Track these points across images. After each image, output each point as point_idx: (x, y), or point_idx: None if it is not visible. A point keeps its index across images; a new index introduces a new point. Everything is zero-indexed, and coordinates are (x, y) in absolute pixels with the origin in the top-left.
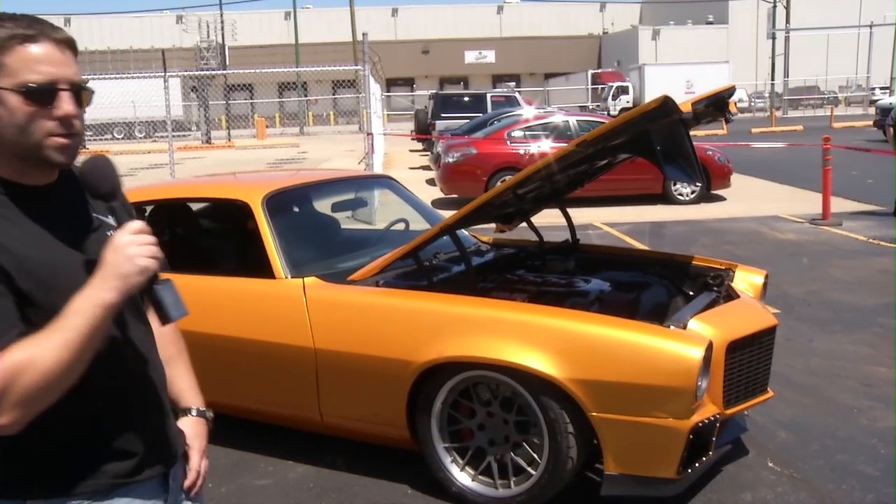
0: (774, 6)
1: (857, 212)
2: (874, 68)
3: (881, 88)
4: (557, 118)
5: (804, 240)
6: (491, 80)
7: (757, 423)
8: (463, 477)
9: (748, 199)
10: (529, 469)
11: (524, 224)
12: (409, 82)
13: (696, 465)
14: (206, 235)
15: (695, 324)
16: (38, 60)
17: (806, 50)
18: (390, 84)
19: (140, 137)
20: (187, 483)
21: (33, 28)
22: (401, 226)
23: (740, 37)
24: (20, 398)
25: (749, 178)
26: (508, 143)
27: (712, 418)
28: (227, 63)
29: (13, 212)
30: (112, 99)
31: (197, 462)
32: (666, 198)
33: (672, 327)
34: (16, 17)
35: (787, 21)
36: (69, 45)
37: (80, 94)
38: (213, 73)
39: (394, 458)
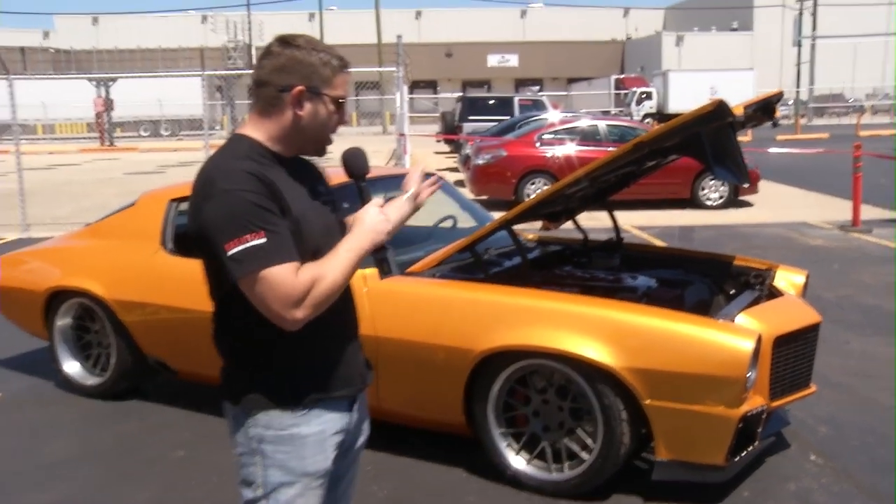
0: (801, 13)
1: (886, 219)
2: None
3: None
4: (585, 122)
5: (834, 246)
6: (514, 84)
7: (797, 418)
8: (518, 461)
9: (775, 205)
10: (583, 454)
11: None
12: (431, 84)
13: (743, 453)
14: None
15: (742, 318)
16: (346, 83)
17: (832, 58)
18: (413, 86)
19: (165, 135)
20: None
21: (343, 61)
22: (449, 222)
23: (765, 44)
24: (316, 300)
25: (775, 184)
26: (538, 146)
27: (760, 409)
28: (254, 62)
29: (281, 172)
30: (141, 97)
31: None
32: (694, 202)
33: (721, 321)
34: (325, 48)
35: (814, 28)
36: None
37: None
38: (242, 72)
39: (450, 442)
